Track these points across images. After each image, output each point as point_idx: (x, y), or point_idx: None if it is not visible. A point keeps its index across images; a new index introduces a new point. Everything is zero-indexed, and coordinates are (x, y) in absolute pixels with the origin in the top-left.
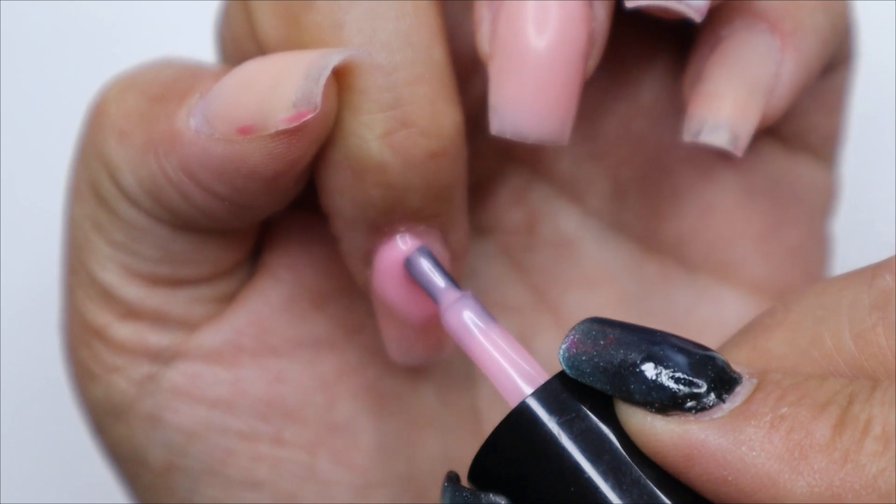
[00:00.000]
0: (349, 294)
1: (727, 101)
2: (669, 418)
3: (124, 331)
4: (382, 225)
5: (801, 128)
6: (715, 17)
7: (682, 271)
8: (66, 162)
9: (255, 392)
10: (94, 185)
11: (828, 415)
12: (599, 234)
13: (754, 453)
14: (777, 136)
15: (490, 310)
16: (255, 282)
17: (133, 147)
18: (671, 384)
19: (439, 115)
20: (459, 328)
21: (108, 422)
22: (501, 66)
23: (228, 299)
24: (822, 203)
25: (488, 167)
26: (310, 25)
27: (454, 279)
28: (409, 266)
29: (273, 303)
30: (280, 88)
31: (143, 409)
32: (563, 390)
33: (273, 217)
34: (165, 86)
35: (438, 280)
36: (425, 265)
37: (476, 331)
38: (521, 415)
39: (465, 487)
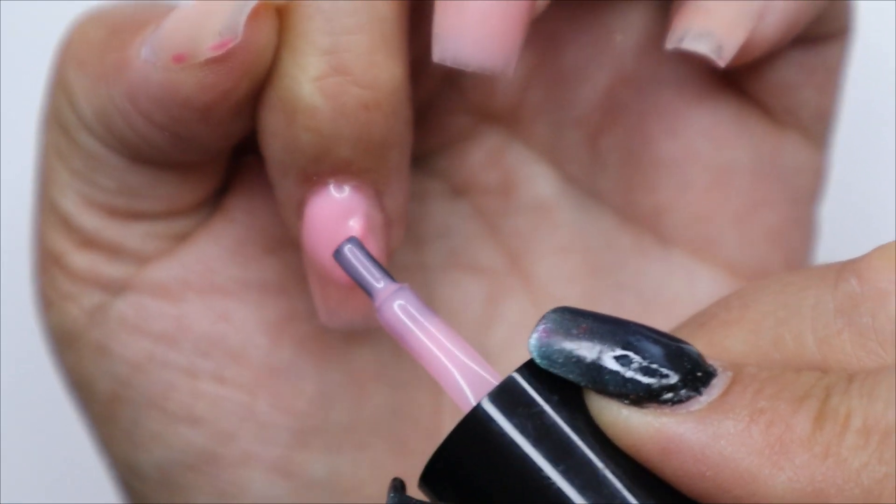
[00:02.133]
0: None
1: (714, 12)
2: (645, 411)
3: (80, 260)
4: (312, 174)
5: (791, 103)
6: None
7: (657, 245)
8: None
9: (199, 329)
10: (56, 113)
11: (807, 408)
12: (576, 202)
13: (733, 448)
14: (765, 111)
15: (461, 271)
16: (210, 222)
17: (89, 76)
18: (647, 376)
19: (376, 66)
20: (397, 324)
21: (62, 349)
22: None
23: (183, 237)
24: (809, 186)
25: (465, 126)
26: None
27: (387, 270)
28: (337, 257)
29: (224, 243)
30: (210, 18)
31: (92, 338)
32: (523, 387)
33: (236, 161)
34: (126, 18)
35: (371, 271)
36: (355, 256)
37: (415, 326)
38: (476, 417)
39: (411, 498)
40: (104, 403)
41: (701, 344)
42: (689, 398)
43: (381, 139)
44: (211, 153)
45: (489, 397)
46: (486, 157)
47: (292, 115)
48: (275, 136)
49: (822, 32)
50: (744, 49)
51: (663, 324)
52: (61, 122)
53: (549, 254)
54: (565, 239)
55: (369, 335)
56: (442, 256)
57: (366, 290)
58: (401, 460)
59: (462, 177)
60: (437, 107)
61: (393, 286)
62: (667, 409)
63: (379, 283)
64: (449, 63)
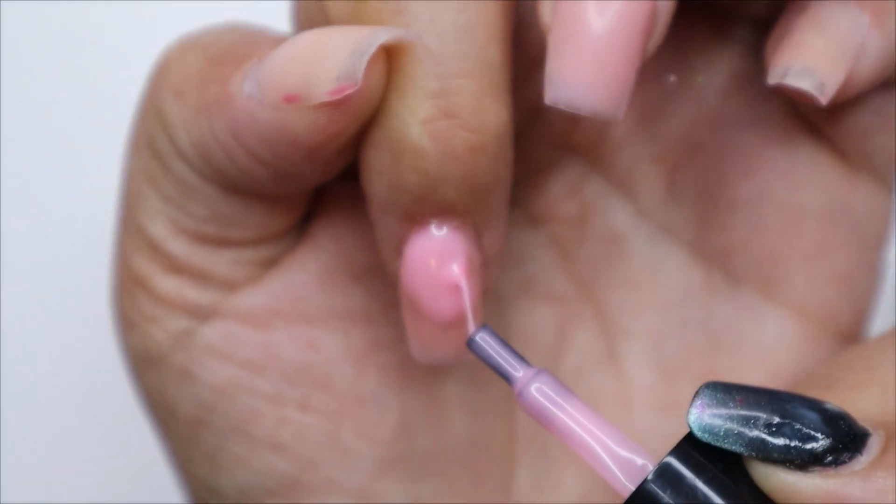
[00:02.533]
0: None
1: (815, 50)
2: (810, 474)
3: (166, 284)
4: (415, 213)
5: (867, 147)
6: None
7: (726, 283)
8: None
9: (286, 357)
10: (150, 139)
11: None
12: (649, 235)
13: None
14: (840, 154)
15: (535, 298)
16: (297, 249)
17: (188, 107)
18: (808, 441)
19: (484, 111)
20: (540, 409)
21: (143, 370)
22: (560, 39)
23: (271, 264)
24: (878, 230)
25: (547, 157)
26: (371, 7)
27: (521, 355)
28: (472, 346)
29: (312, 271)
30: (326, 61)
31: (177, 362)
32: (683, 462)
33: (324, 187)
34: (226, 49)
35: (506, 358)
36: (489, 344)
37: (558, 410)
38: (643, 493)
39: None
40: (186, 426)
41: (833, 403)
42: (851, 459)
43: (486, 182)
44: (309, 186)
45: (653, 474)
46: (565, 187)
47: (399, 156)
48: (380, 174)
49: None
50: (841, 88)
51: (728, 362)
52: (155, 148)
53: (620, 285)
54: (636, 271)
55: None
56: (516, 284)
57: (503, 377)
58: (478, 488)
59: (540, 206)
60: (521, 137)
61: (531, 371)
62: (831, 471)
63: (517, 370)
64: (562, 106)
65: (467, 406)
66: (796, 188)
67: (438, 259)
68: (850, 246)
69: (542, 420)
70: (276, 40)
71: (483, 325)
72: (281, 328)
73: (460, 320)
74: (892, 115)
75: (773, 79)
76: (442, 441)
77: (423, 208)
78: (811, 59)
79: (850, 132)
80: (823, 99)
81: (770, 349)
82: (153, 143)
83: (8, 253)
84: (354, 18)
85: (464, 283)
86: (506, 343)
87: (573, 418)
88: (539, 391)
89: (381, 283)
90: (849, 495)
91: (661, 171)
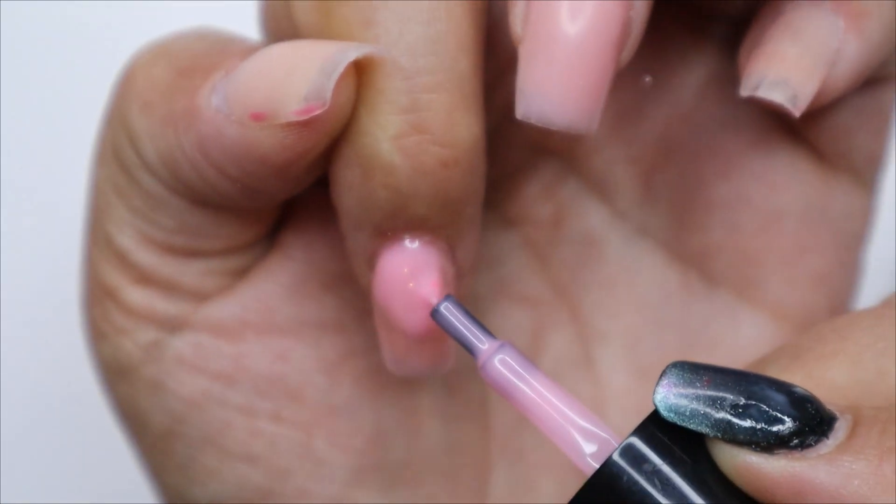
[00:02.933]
0: None
1: (788, 60)
2: (776, 456)
3: (135, 295)
4: (387, 229)
5: (845, 147)
6: None
7: (703, 284)
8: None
9: (258, 369)
10: (116, 150)
11: None
12: (625, 237)
13: (868, 486)
14: (818, 155)
15: (510, 300)
16: (267, 259)
17: (154, 118)
18: (775, 423)
19: (455, 125)
20: (502, 381)
21: (114, 381)
22: (531, 50)
23: (241, 273)
24: (857, 230)
25: (521, 159)
26: (340, 19)
27: (486, 327)
28: (436, 317)
29: (283, 281)
30: (294, 79)
31: (147, 373)
32: (647, 442)
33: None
34: (193, 59)
35: (471, 329)
36: (453, 314)
37: (521, 382)
38: (606, 473)
39: None
40: (158, 437)
41: (800, 377)
42: (817, 442)
43: (458, 196)
44: (278, 201)
45: (618, 453)
46: (540, 189)
47: (370, 172)
48: (350, 190)
49: (878, 76)
50: (815, 97)
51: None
52: (121, 160)
53: (596, 287)
54: (612, 273)
55: None
56: (491, 286)
57: (467, 349)
58: (454, 495)
59: (515, 208)
60: (495, 140)
61: (495, 343)
62: (797, 454)
63: (481, 342)
64: (533, 121)
65: (441, 413)
66: (773, 189)
67: (411, 273)
68: (827, 247)
69: (504, 393)
70: (246, 49)
71: (446, 296)
72: (252, 340)
73: (434, 334)
74: (870, 113)
75: (745, 90)
76: (416, 449)
77: (394, 224)
78: (784, 70)
79: (828, 132)
80: (797, 111)
81: (747, 351)
82: (119, 155)
83: (7, 252)
84: (323, 29)
85: (435, 300)
86: (470, 314)
87: (536, 391)
88: (503, 362)
89: (352, 291)
90: (814, 478)
91: (637, 172)
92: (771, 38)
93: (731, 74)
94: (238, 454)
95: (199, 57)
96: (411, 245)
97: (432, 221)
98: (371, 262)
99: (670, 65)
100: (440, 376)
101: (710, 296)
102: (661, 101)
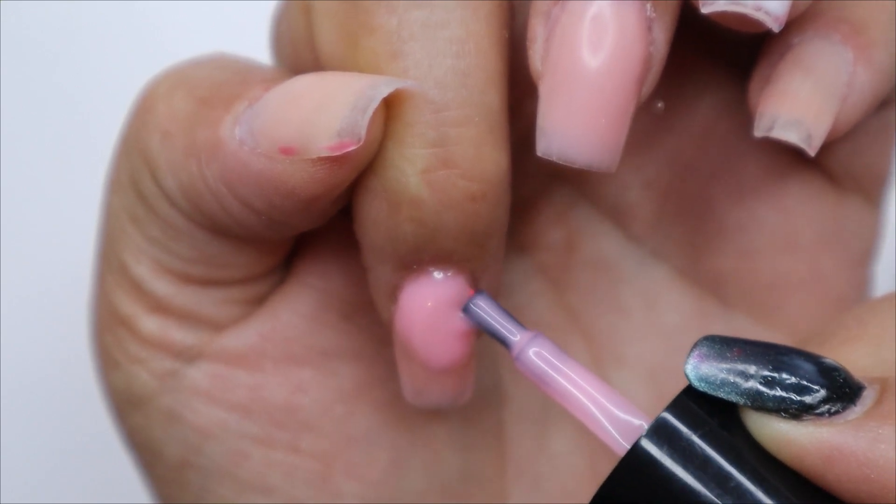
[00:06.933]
0: None
1: (801, 99)
2: (804, 423)
3: (150, 324)
4: (411, 262)
5: (855, 167)
6: (786, 25)
7: (718, 308)
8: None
9: (275, 399)
10: (134, 179)
11: None
12: (639, 262)
13: (894, 449)
14: (829, 176)
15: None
16: (285, 288)
17: (176, 149)
18: (803, 392)
19: (483, 159)
20: (537, 371)
21: (127, 410)
22: (552, 87)
23: (258, 302)
24: (866, 246)
25: (535, 185)
26: (367, 50)
27: (517, 319)
28: (468, 312)
29: (300, 311)
30: (326, 113)
31: (163, 403)
32: (679, 419)
33: None
34: (214, 88)
35: (503, 323)
36: (485, 310)
37: (555, 372)
38: (638, 454)
39: None
40: (172, 468)
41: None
42: (844, 409)
43: (484, 230)
44: (300, 231)
45: (649, 432)
46: (553, 215)
47: (397, 206)
48: (376, 223)
49: (889, 96)
50: (829, 133)
51: None
52: (139, 189)
53: (610, 312)
54: (627, 298)
55: None
56: None
57: (501, 342)
58: None
59: (528, 234)
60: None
61: (528, 335)
62: (825, 421)
63: (514, 334)
64: (555, 159)
65: (458, 442)
66: (787, 213)
67: (435, 306)
68: (841, 267)
69: (540, 383)
70: (266, 78)
71: (478, 291)
72: (269, 370)
73: (455, 366)
74: (877, 133)
75: (759, 131)
76: (433, 478)
77: (419, 257)
78: (798, 110)
79: (838, 154)
80: (812, 151)
81: None
82: (137, 184)
83: (8, 253)
84: (348, 62)
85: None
86: (501, 307)
87: (571, 380)
88: (537, 354)
89: (369, 319)
90: (841, 444)
91: (651, 197)
92: (782, 75)
93: (742, 99)
94: (254, 485)
95: (220, 86)
96: (436, 278)
97: (458, 255)
98: (394, 294)
99: (682, 90)
100: (456, 407)
101: (727, 320)
102: (674, 126)
